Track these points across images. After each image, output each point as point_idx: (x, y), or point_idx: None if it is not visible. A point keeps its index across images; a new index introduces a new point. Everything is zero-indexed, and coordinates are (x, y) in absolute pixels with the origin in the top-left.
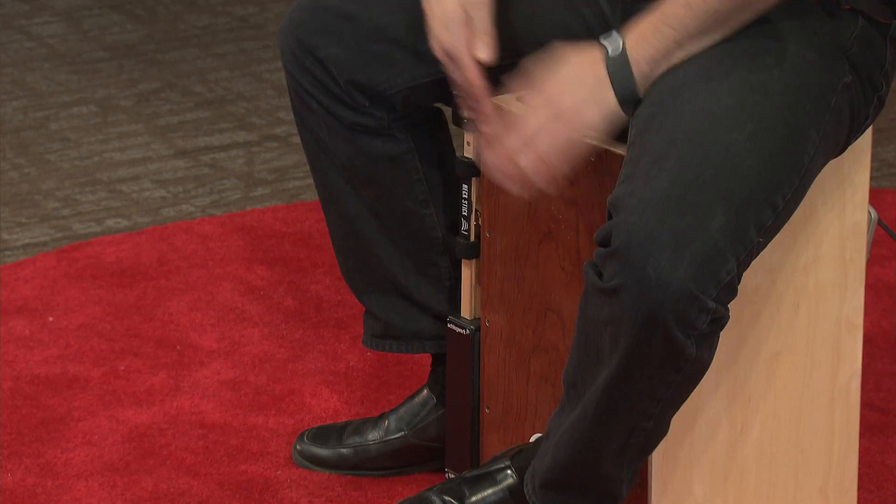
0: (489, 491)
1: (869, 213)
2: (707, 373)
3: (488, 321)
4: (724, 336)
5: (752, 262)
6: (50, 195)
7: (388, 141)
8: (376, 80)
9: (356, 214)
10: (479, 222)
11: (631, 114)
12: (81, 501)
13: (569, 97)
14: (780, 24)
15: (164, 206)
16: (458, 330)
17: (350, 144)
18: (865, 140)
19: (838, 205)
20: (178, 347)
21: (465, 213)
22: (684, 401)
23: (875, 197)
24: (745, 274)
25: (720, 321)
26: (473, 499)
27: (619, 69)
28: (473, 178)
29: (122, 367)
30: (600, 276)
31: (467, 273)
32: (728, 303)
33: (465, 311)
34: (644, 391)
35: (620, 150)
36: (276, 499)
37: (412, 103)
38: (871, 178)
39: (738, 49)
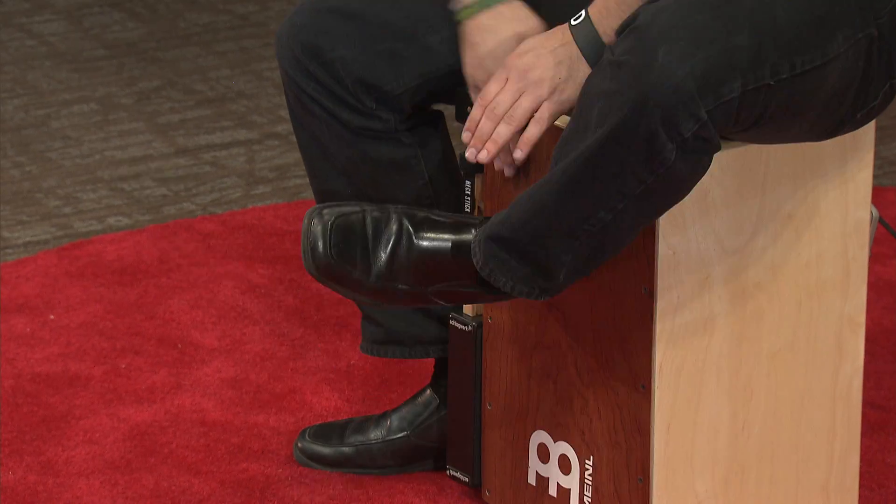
0: (444, 235)
1: (871, 211)
2: (708, 369)
3: (490, 318)
4: (726, 333)
5: (754, 259)
6: (51, 193)
7: (393, 145)
8: (384, 79)
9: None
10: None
11: None
12: (82, 499)
13: (538, 66)
14: None
15: (165, 204)
16: (461, 326)
17: (354, 149)
18: (868, 138)
19: (840, 203)
20: (179, 345)
21: (468, 211)
22: (651, 216)
23: (877, 195)
24: (746, 271)
25: (707, 142)
26: (426, 235)
27: (583, 32)
28: (477, 175)
29: (123, 366)
30: (612, 52)
31: None
32: (718, 125)
33: (467, 308)
34: (613, 176)
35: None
36: (277, 497)
37: (419, 103)
38: (874, 177)
39: None
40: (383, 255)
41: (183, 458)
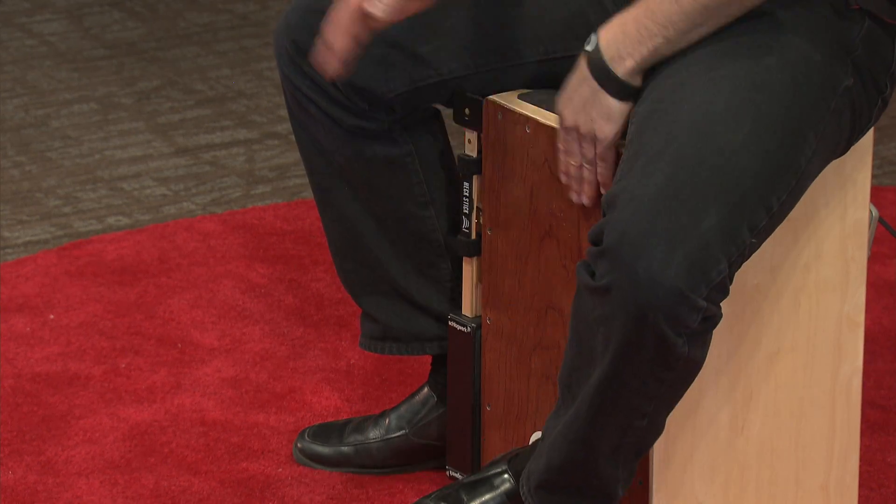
0: (487, 496)
1: (870, 210)
2: (708, 370)
3: (489, 319)
4: (725, 334)
5: (753, 260)
6: (51, 193)
7: (387, 144)
8: (375, 83)
9: (354, 217)
10: (480, 220)
11: (634, 99)
12: (82, 499)
13: (568, 112)
14: (785, 21)
15: (165, 203)
16: (459, 328)
17: (349, 147)
18: (867, 138)
19: (839, 203)
20: (179, 345)
21: (466, 211)
22: (678, 399)
23: (876, 195)
24: (746, 272)
25: (712, 320)
26: (471, 503)
27: (597, 67)
28: (475, 176)
29: (123, 365)
30: (592, 275)
31: (468, 271)
32: (719, 302)
33: (466, 309)
34: (636, 389)
35: (621, 148)
36: (276, 496)
37: (412, 105)
38: (873, 176)
39: (741, 46)
40: None
41: (183, 458)
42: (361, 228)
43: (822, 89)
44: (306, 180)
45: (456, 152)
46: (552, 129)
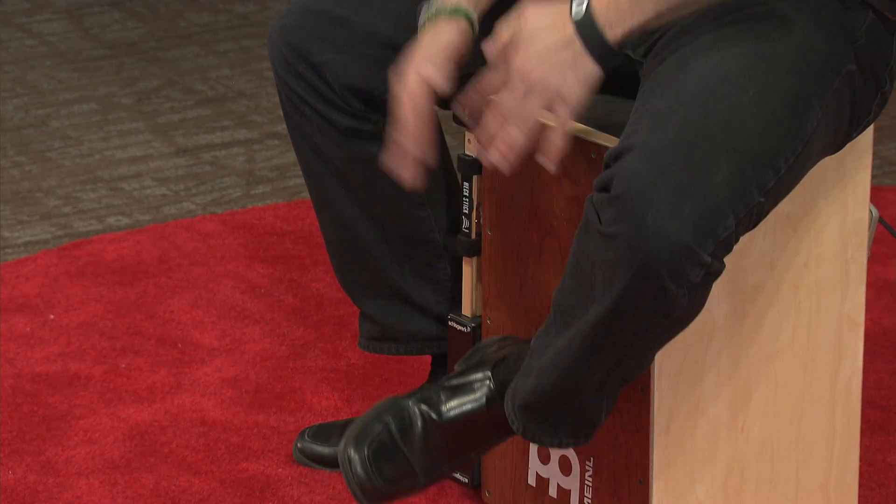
0: (466, 398)
1: (870, 210)
2: (707, 370)
3: (489, 319)
4: (725, 333)
5: (753, 260)
6: (51, 193)
7: (383, 144)
8: (372, 84)
9: (352, 219)
10: (480, 220)
11: (608, 69)
12: (82, 499)
13: (539, 68)
14: (789, 7)
15: (165, 203)
16: (459, 328)
17: (345, 149)
18: (866, 138)
19: (839, 202)
20: (179, 345)
21: (466, 211)
22: (669, 340)
23: (876, 195)
24: (745, 271)
25: (714, 274)
26: (450, 405)
27: (587, 32)
28: (475, 176)
29: (123, 365)
30: (598, 215)
31: (468, 271)
32: (723, 257)
33: (467, 309)
34: (631, 332)
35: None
36: (276, 497)
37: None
38: (872, 176)
39: (746, 28)
40: (421, 454)
41: (183, 458)
42: (359, 230)
43: (826, 67)
44: None
45: (456, 152)
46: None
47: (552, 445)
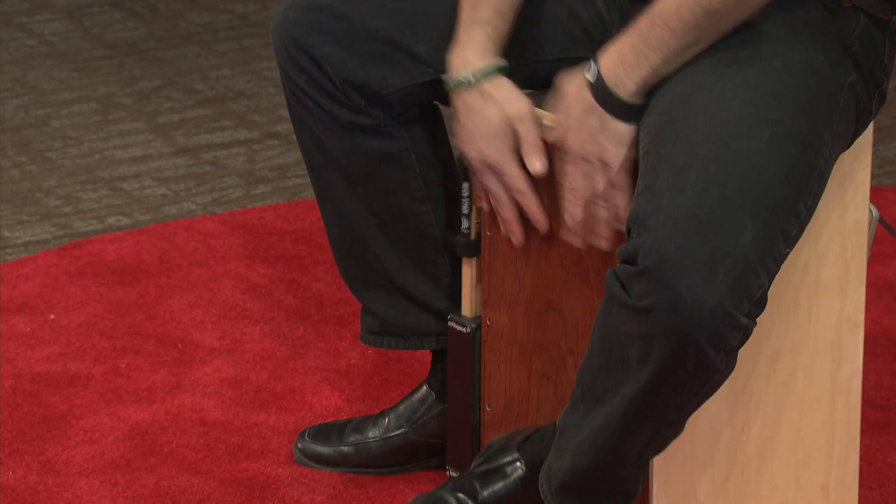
0: (500, 484)
1: (870, 210)
2: None
3: (489, 319)
4: None
5: None
6: (51, 193)
7: (384, 139)
8: (372, 79)
9: (353, 212)
10: (480, 220)
11: (639, 119)
12: (82, 499)
13: (578, 141)
14: (783, 25)
15: (165, 203)
16: (459, 328)
17: (346, 142)
18: (866, 138)
19: (839, 203)
20: (179, 345)
21: (466, 212)
22: (703, 402)
23: (876, 195)
24: None
25: (749, 333)
26: (486, 493)
27: (602, 93)
28: (474, 177)
29: (124, 365)
30: (624, 289)
31: (468, 271)
32: (757, 316)
33: (466, 310)
34: (671, 402)
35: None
36: (276, 496)
37: (408, 103)
38: (873, 176)
39: (744, 54)
40: None
41: (183, 458)
42: (360, 223)
43: (831, 88)
44: (306, 180)
45: (456, 152)
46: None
47: None
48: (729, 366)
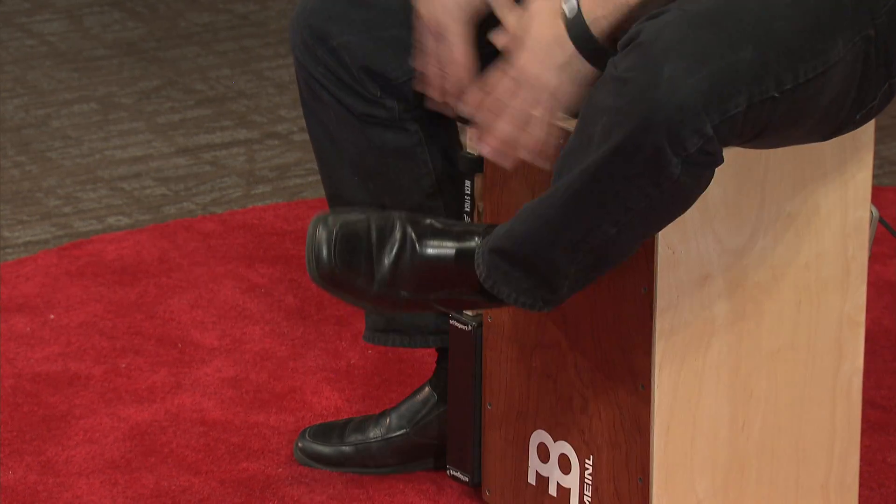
0: (449, 242)
1: (870, 210)
2: (708, 368)
3: (490, 317)
4: (726, 332)
5: (754, 259)
6: (51, 193)
7: (398, 133)
8: (389, 66)
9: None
10: (481, 219)
11: (602, 67)
12: (82, 499)
13: (534, 66)
14: None
15: (166, 203)
16: (460, 326)
17: (360, 136)
18: (867, 138)
19: (840, 202)
20: (179, 345)
21: (468, 210)
22: (655, 228)
23: (876, 195)
24: (746, 270)
25: (711, 156)
26: (432, 242)
27: (577, 29)
28: (476, 174)
29: (124, 365)
30: (615, 65)
31: None
32: (724, 141)
33: None
34: (617, 192)
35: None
36: (277, 496)
37: (423, 93)
38: (873, 176)
39: None
40: (387, 263)
41: (183, 458)
42: None
43: (852, 18)
44: (306, 180)
45: (460, 150)
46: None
47: (508, 298)
48: (685, 180)
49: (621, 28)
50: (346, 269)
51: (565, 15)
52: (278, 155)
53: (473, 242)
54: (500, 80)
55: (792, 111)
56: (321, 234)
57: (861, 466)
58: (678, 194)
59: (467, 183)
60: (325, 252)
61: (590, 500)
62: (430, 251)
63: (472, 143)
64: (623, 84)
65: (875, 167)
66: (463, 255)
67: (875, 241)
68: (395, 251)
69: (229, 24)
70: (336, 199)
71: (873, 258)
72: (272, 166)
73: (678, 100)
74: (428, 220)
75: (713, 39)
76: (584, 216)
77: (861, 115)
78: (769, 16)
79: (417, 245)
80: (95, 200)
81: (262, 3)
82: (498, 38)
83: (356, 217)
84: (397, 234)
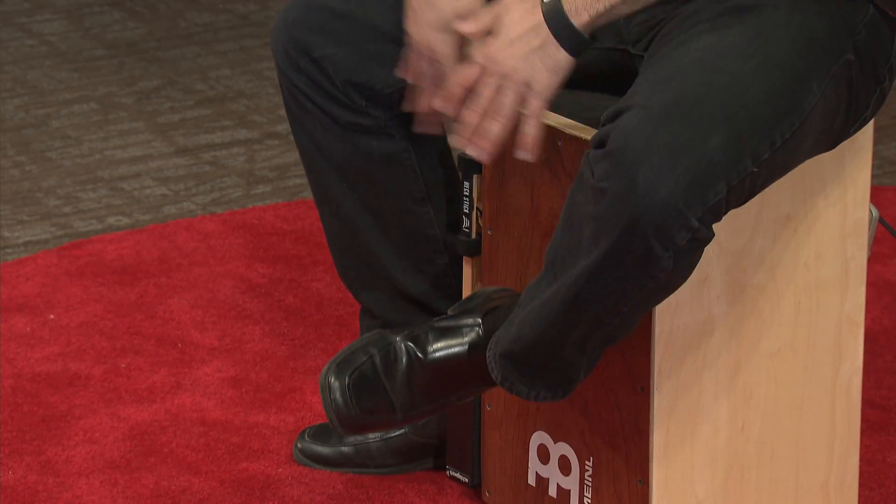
0: (453, 341)
1: (870, 210)
2: (707, 369)
3: None
4: (725, 333)
5: (753, 259)
6: (51, 193)
7: (384, 140)
8: (374, 79)
9: (352, 213)
10: (481, 220)
11: (579, 55)
12: (82, 499)
13: (505, 52)
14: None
15: (165, 203)
16: None
17: (346, 144)
18: (866, 137)
19: (839, 202)
20: (179, 345)
21: (467, 211)
22: (655, 304)
23: (876, 195)
24: (746, 271)
25: (701, 241)
26: (436, 346)
27: (555, 18)
28: (475, 175)
29: (123, 365)
30: (591, 170)
31: (468, 270)
32: (711, 224)
33: None
34: (615, 290)
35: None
36: (276, 496)
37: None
38: (872, 176)
39: (748, 9)
40: (401, 391)
41: (183, 458)
42: (359, 225)
43: (825, 52)
44: (306, 180)
45: (457, 152)
46: (555, 128)
47: (528, 397)
48: (678, 269)
49: (603, 19)
50: (367, 414)
51: (542, 1)
52: (278, 155)
53: (475, 334)
54: (469, 69)
55: (776, 170)
56: (334, 391)
57: (861, 466)
58: (674, 277)
59: (466, 183)
60: (343, 406)
61: (590, 501)
62: (437, 355)
63: (451, 140)
64: (602, 194)
65: (875, 167)
66: (472, 352)
67: (875, 241)
68: (404, 376)
69: (229, 24)
70: (324, 204)
71: (873, 258)
72: (272, 166)
73: (659, 202)
74: (424, 328)
75: (682, 132)
76: (587, 316)
77: (855, 126)
78: (736, 87)
79: (423, 356)
80: (95, 200)
81: (262, 3)
82: (466, 26)
83: (360, 359)
84: (403, 358)
